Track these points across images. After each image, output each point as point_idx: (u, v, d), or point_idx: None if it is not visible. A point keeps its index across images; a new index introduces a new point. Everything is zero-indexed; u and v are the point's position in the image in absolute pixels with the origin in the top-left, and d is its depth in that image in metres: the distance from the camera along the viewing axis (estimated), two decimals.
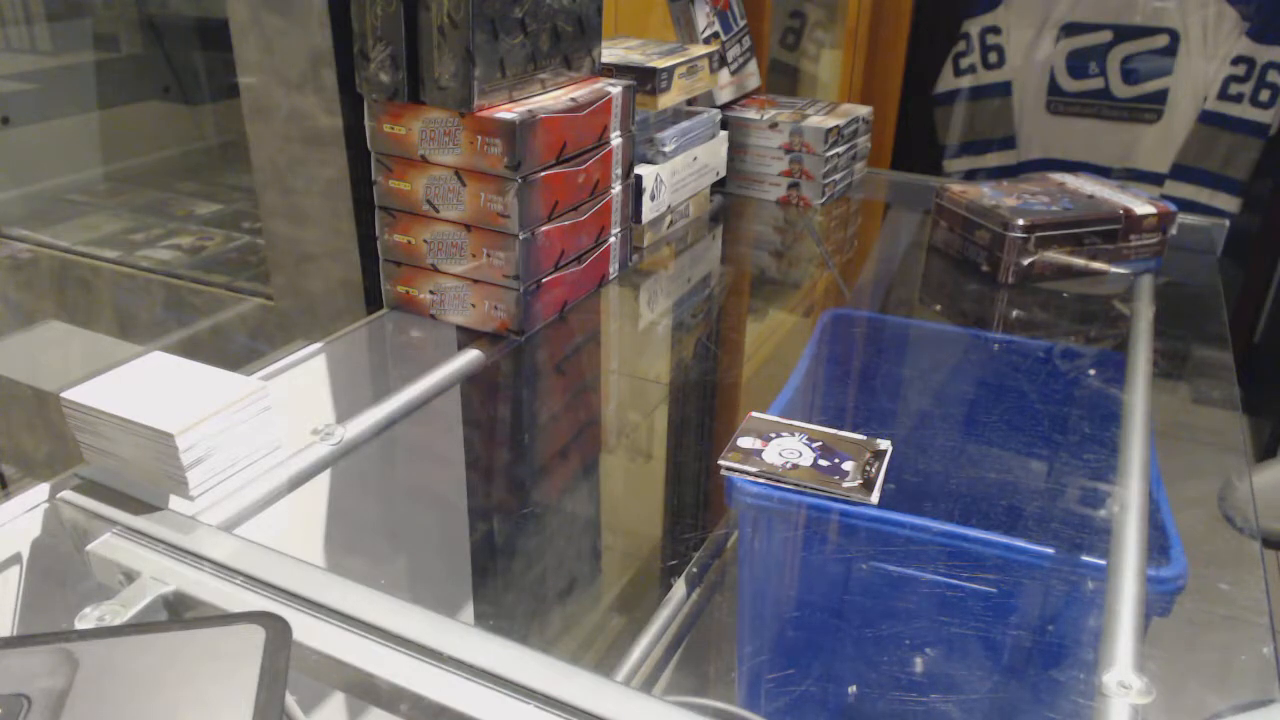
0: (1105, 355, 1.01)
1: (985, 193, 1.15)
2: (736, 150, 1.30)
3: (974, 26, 2.49)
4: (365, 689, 0.49)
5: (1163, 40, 2.33)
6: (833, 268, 1.24)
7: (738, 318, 1.21)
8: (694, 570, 0.93)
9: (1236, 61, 2.26)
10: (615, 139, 0.94)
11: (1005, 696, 0.77)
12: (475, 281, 0.86)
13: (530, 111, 0.81)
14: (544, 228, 0.85)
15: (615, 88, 0.92)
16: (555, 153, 0.84)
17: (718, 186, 1.30)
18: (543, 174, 0.83)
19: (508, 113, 0.80)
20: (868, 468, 0.75)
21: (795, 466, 0.75)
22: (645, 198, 1.06)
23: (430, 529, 1.06)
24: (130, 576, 0.56)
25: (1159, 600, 0.66)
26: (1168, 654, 0.59)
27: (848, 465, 0.75)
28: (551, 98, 0.87)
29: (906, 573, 0.75)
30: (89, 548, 0.58)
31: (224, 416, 0.60)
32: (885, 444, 0.78)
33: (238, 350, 1.24)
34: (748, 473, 0.75)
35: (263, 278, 1.22)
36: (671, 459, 1.15)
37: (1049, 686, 0.75)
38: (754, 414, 0.83)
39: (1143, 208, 1.10)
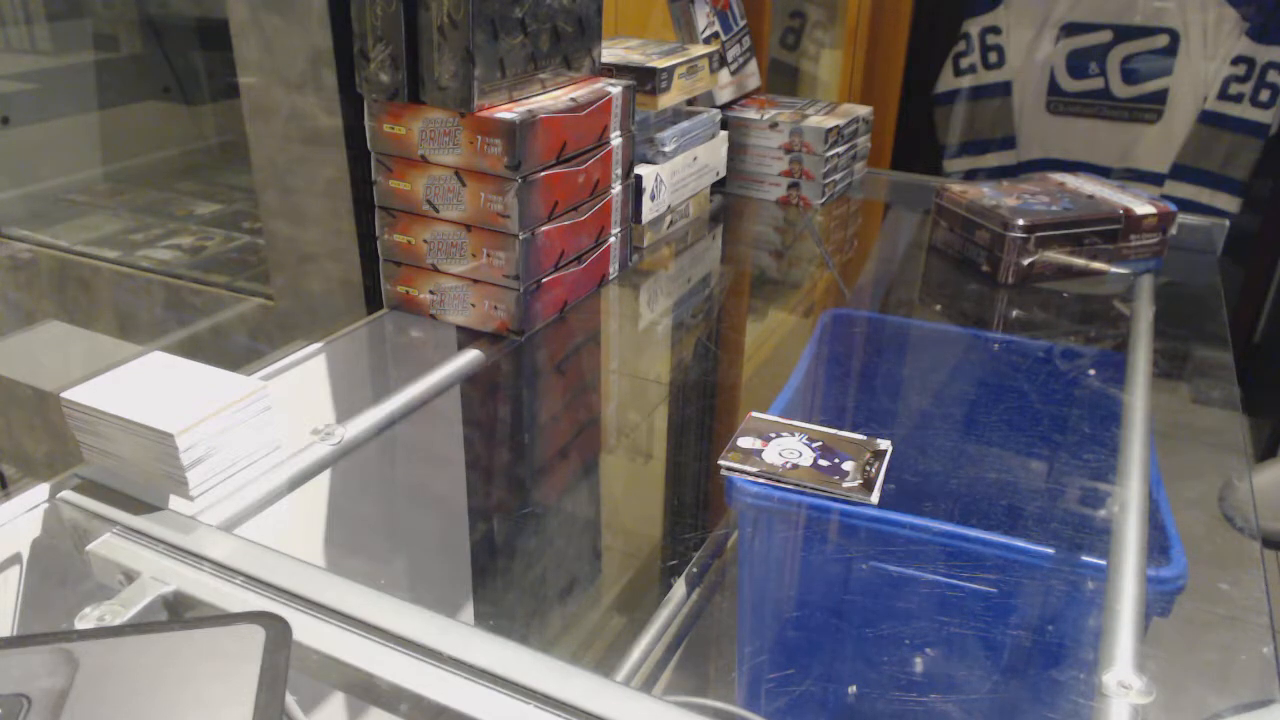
0: (1105, 355, 1.01)
1: (985, 193, 1.15)
2: (736, 150, 1.30)
3: (974, 26, 2.49)
4: (365, 689, 0.49)
5: (1163, 40, 2.33)
6: (833, 268, 1.24)
7: (738, 318, 1.21)
8: (694, 570, 0.93)
9: (1236, 61, 2.26)
10: (615, 139, 0.94)
11: (1005, 696, 0.77)
12: (475, 281, 0.86)
13: (530, 111, 0.81)
14: (544, 228, 0.85)
15: (615, 88, 0.92)
16: (555, 153, 0.84)
17: (718, 186, 1.30)
18: (543, 174, 0.83)
19: (508, 113, 0.80)
20: (868, 468, 0.75)
21: (795, 466, 0.75)
22: (645, 198, 1.06)
23: (430, 529, 1.06)
24: (130, 576, 0.56)
25: (1159, 600, 0.66)
26: (1168, 654, 0.59)
27: (848, 465, 0.75)
28: (551, 98, 0.87)
29: (906, 573, 0.75)
30: (89, 548, 0.58)
31: (224, 416, 0.60)
32: (885, 444, 0.78)
33: (238, 350, 1.24)
34: (748, 473, 0.75)
35: (263, 278, 1.22)
36: (671, 459, 1.15)
37: (1049, 686, 0.75)
38: (754, 414, 0.83)
39: (1143, 208, 1.10)
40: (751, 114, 1.30)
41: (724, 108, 1.31)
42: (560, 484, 1.10)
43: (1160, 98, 2.36)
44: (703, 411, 1.14)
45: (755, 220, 1.31)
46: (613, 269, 1.00)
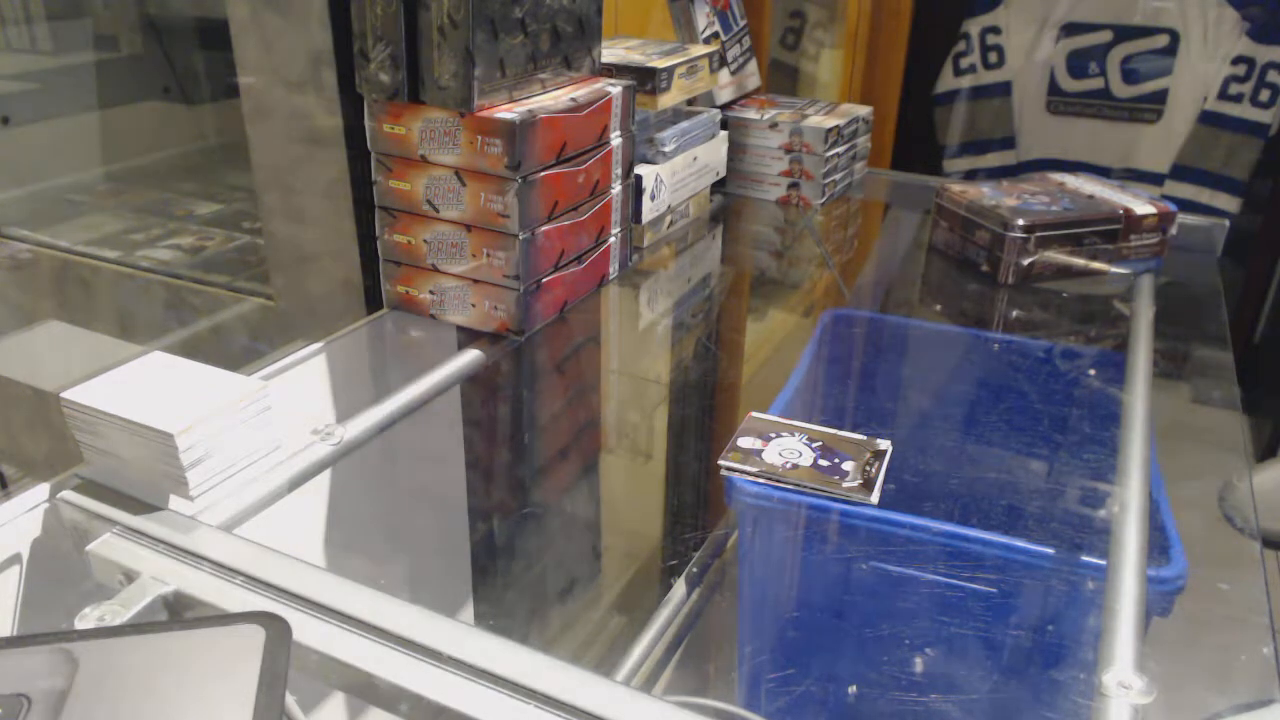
0: (1105, 355, 1.01)
1: (985, 193, 1.15)
2: (736, 150, 1.30)
3: (974, 26, 2.49)
4: (365, 689, 0.49)
5: (1163, 40, 2.33)
6: (833, 268, 1.24)
7: (738, 318, 1.21)
8: (694, 570, 0.93)
9: (1236, 61, 2.26)
10: (615, 139, 0.94)
11: (1005, 696, 0.77)
12: (475, 281, 0.86)
13: (530, 111, 0.81)
14: (544, 228, 0.85)
15: (615, 88, 0.92)
16: (555, 153, 0.84)
17: (718, 186, 1.30)
18: (543, 174, 0.83)
19: (508, 113, 0.80)
20: (868, 468, 0.75)
21: (795, 466, 0.75)
22: (645, 198, 1.06)
23: (430, 529, 1.06)
24: (130, 576, 0.56)
25: (1159, 600, 0.66)
26: (1168, 654, 0.59)
27: (848, 465, 0.75)
28: (551, 98, 0.87)
29: (906, 573, 0.75)
30: (89, 548, 0.58)
31: (224, 416, 0.60)
32: (885, 444, 0.78)
33: (238, 350, 1.24)
34: (748, 473, 0.75)
35: (263, 278, 1.22)
36: (671, 459, 1.15)
37: (1049, 686, 0.75)
38: (754, 414, 0.83)
39: (1143, 208, 1.10)
40: (751, 114, 1.30)
41: (724, 108, 1.31)
42: (560, 484, 1.10)
43: (1160, 98, 2.36)
44: (703, 411, 1.14)
45: (755, 220, 1.31)
46: (613, 269, 1.00)
